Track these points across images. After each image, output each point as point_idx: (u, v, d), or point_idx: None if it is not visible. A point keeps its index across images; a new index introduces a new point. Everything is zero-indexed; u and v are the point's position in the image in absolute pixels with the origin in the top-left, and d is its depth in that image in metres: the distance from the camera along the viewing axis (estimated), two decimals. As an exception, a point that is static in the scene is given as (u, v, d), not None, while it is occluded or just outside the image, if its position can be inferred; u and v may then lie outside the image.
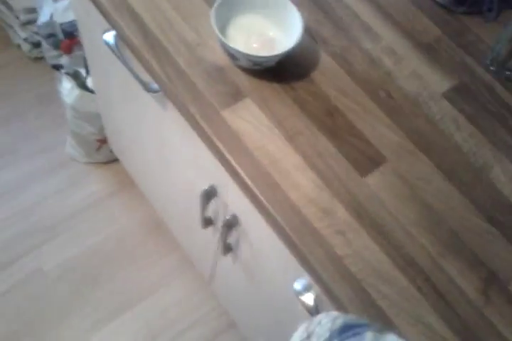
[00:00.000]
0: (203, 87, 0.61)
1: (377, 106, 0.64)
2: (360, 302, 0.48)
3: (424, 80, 0.67)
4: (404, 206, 0.57)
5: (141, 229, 1.42)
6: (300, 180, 0.56)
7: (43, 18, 1.25)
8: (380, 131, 0.62)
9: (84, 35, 1.00)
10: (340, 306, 0.49)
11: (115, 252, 1.38)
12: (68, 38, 1.22)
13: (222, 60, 0.63)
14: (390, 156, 0.60)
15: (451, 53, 0.70)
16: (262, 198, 0.55)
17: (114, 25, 0.68)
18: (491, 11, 0.74)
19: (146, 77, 0.69)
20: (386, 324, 0.48)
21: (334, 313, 0.41)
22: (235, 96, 0.61)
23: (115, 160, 1.48)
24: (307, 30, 0.66)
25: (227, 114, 0.60)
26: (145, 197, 1.40)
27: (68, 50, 1.23)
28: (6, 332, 1.24)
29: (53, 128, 1.52)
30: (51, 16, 1.22)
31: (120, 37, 0.69)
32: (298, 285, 0.61)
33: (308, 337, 0.39)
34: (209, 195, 0.78)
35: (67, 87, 1.22)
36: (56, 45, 1.29)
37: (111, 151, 1.43)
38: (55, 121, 1.51)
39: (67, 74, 1.20)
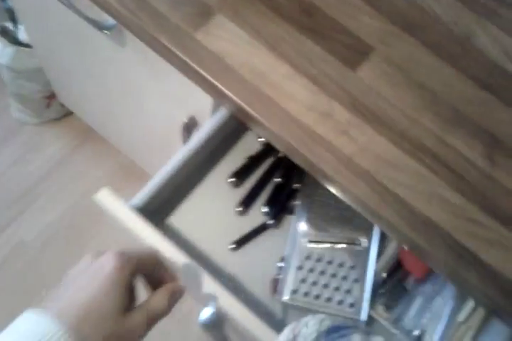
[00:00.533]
0: (168, 12, 0.58)
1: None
2: (378, 194, 0.51)
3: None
4: (401, 92, 0.57)
5: (115, 176, 1.36)
6: (293, 89, 0.56)
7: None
8: (361, 20, 0.60)
9: None
10: (358, 202, 0.52)
11: (94, 207, 1.32)
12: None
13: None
14: (376, 44, 0.59)
15: None
16: (258, 116, 0.54)
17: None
18: None
19: (95, 14, 0.65)
20: (403, 205, 0.51)
21: (321, 315, 0.41)
22: (205, 15, 0.58)
23: (69, 113, 1.39)
24: None
25: (201, 36, 0.57)
26: (111, 144, 1.34)
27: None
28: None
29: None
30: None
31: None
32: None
33: (294, 338, 0.39)
34: (189, 127, 0.76)
35: (-2, 47, 1.12)
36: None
37: (62, 105, 1.34)
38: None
39: (-6, 33, 1.10)
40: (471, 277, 0.49)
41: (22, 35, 1.13)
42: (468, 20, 0.61)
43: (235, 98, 0.55)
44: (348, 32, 0.59)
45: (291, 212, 0.69)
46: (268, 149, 0.71)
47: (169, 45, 0.57)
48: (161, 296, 0.43)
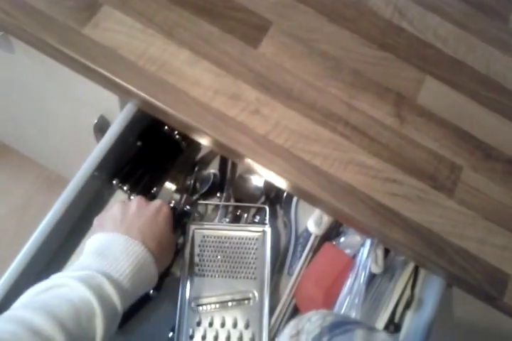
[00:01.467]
0: (49, 9, 0.54)
1: (239, -32, 0.59)
2: (296, 168, 0.52)
3: None
4: (304, 63, 0.57)
5: (40, 190, 1.29)
6: (197, 75, 0.55)
7: None
8: (252, -5, 0.59)
9: None
10: (278, 179, 0.53)
11: (28, 220, 1.24)
12: None
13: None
14: (273, 18, 0.59)
15: None
16: (165, 107, 0.53)
17: None
18: None
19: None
20: (321, 175, 0.52)
21: (325, 311, 0.41)
22: (90, 7, 0.55)
23: None
24: None
25: (90, 31, 0.54)
26: (29, 158, 1.26)
27: None
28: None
29: None
30: None
31: None
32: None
33: (298, 333, 0.39)
34: (101, 126, 0.73)
35: None
36: None
37: None
38: None
39: None
40: (396, 233, 0.51)
41: None
42: (358, -18, 0.62)
43: (137, 91, 0.53)
44: (243, 9, 0.58)
45: (175, 275, 0.60)
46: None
47: (56, 45, 0.53)
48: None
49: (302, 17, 0.59)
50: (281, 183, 0.54)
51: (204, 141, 0.55)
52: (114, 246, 0.48)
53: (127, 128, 0.58)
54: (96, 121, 0.68)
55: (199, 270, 0.59)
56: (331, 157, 0.53)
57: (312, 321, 0.39)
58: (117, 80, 0.53)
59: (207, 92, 0.54)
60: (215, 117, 0.53)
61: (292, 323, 0.41)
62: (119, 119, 0.58)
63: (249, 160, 0.53)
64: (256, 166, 0.54)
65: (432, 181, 0.53)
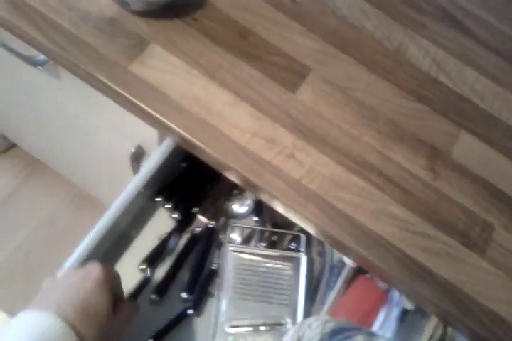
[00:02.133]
0: (100, 46, 0.56)
1: (286, 16, 0.61)
2: (328, 216, 0.52)
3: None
4: (341, 111, 0.58)
5: (68, 206, 1.33)
6: (237, 117, 0.56)
7: None
8: (295, 41, 0.61)
9: None
10: (309, 224, 0.53)
11: (53, 236, 1.29)
12: None
13: (111, 9, 0.58)
14: (312, 65, 0.60)
15: None
16: (203, 147, 0.54)
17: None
18: None
19: (26, 50, 0.62)
20: (352, 223, 0.53)
21: (325, 317, 0.42)
22: (139, 45, 0.57)
23: (14, 145, 1.34)
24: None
25: (137, 68, 0.56)
26: (60, 174, 1.30)
27: None
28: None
29: None
30: None
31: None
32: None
33: (299, 340, 0.39)
34: (138, 156, 0.75)
35: None
36: None
37: (5, 138, 1.29)
38: None
39: None
40: (423, 288, 0.51)
41: None
42: (399, 34, 0.63)
43: (178, 129, 0.55)
44: (283, 54, 0.60)
45: (212, 295, 0.63)
46: (181, 226, 0.67)
47: (105, 80, 0.55)
48: (128, 307, 0.50)
49: (341, 65, 0.61)
50: (310, 228, 0.54)
51: (238, 181, 0.56)
52: (21, 324, 0.41)
53: (174, 151, 0.61)
54: (133, 150, 0.70)
55: (234, 292, 0.62)
56: (363, 206, 0.53)
57: (313, 327, 0.39)
58: (158, 117, 0.55)
59: (245, 134, 0.55)
60: (251, 159, 0.54)
61: (293, 329, 0.41)
62: (166, 143, 0.60)
63: (280, 203, 0.54)
64: (287, 209, 0.54)
65: (463, 238, 0.53)
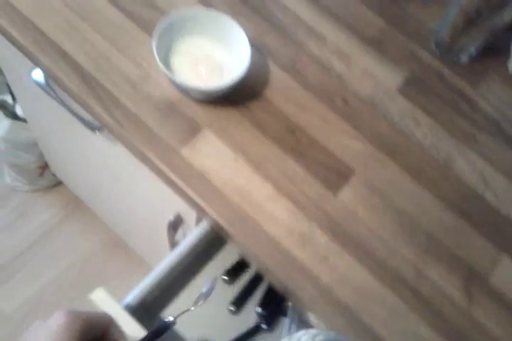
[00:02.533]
0: (156, 126, 0.59)
1: (337, 116, 0.63)
2: (354, 329, 0.50)
3: (377, 78, 0.66)
4: (380, 217, 0.58)
5: (102, 250, 1.35)
6: (275, 211, 0.56)
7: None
8: (343, 142, 0.62)
9: (8, 71, 0.92)
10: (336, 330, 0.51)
11: (82, 278, 1.32)
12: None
13: (171, 93, 0.60)
14: (357, 167, 0.60)
15: (397, 43, 0.69)
16: (238, 236, 0.54)
17: (41, 67, 0.63)
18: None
19: (88, 115, 0.66)
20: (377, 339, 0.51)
21: (314, 330, 0.41)
22: (192, 130, 0.59)
23: (61, 182, 1.39)
24: (252, 43, 0.64)
25: (187, 152, 0.58)
26: (99, 218, 1.34)
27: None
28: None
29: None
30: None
31: (52, 79, 0.64)
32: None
33: None
34: (175, 224, 0.76)
35: (-5, 119, 1.14)
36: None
37: (54, 175, 1.35)
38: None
39: (-8, 105, 1.13)
40: None
41: (20, 109, 1.14)
42: (448, 145, 0.63)
43: (215, 216, 0.55)
44: (329, 153, 0.61)
45: (285, 313, 0.66)
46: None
47: (154, 159, 0.57)
48: None
49: (386, 171, 0.61)
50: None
51: (266, 275, 0.55)
52: None
53: (203, 238, 0.63)
54: (172, 218, 0.71)
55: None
56: (392, 324, 0.51)
57: None
58: (199, 202, 0.56)
59: (280, 230, 0.55)
60: (284, 257, 0.54)
61: None
62: (196, 231, 0.62)
63: (309, 307, 0.52)
64: (313, 313, 0.52)
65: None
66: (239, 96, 0.61)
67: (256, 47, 0.65)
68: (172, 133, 0.59)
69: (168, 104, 0.60)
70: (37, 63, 0.63)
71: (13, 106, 1.13)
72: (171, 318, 0.54)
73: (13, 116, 1.12)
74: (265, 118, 0.61)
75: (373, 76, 0.66)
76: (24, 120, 1.12)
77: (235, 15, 0.66)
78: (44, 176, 1.35)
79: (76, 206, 1.39)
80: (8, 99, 1.14)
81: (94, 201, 1.26)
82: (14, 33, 0.61)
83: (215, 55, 0.61)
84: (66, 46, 0.61)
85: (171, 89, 0.61)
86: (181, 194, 0.58)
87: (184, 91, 0.59)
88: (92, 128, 0.69)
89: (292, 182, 0.58)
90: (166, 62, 0.59)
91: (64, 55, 0.61)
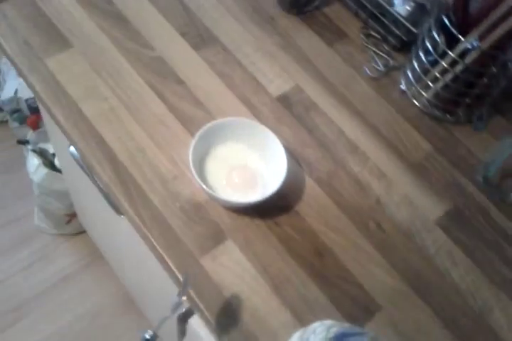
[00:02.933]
0: (180, 230, 0.56)
1: (368, 242, 0.59)
2: None
3: (416, 206, 0.63)
4: None
5: (115, 305, 1.34)
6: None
7: (6, 93, 1.18)
8: (372, 271, 0.57)
9: (51, 132, 0.93)
10: None
11: (88, 332, 1.29)
12: (34, 114, 1.16)
13: (201, 195, 0.58)
14: (383, 303, 0.56)
15: (442, 172, 0.66)
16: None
17: (78, 151, 0.62)
18: (481, 120, 0.71)
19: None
20: None
21: (329, 322, 0.41)
22: (216, 238, 0.56)
23: (85, 231, 1.40)
24: (290, 154, 0.62)
25: (207, 262, 0.54)
26: (115, 274, 1.33)
27: (35, 126, 1.17)
28: None
29: (21, 197, 1.43)
30: (16, 92, 1.15)
31: (84, 163, 0.63)
32: None
33: None
34: (186, 315, 0.71)
35: (33, 164, 1.15)
36: (21, 121, 1.22)
37: (80, 224, 1.36)
38: (23, 189, 1.42)
39: (34, 151, 1.14)
40: None
41: (57, 162, 1.15)
42: (485, 292, 0.58)
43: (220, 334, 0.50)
44: (356, 283, 0.56)
45: None
46: None
47: (172, 266, 0.54)
48: None
49: (416, 313, 0.56)
50: None
51: None
52: None
53: None
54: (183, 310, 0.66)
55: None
56: None
57: (317, 333, 0.39)
58: (210, 318, 0.51)
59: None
60: None
61: (297, 335, 0.40)
62: None
63: None
64: None
65: None
66: (269, 208, 0.58)
67: (294, 157, 0.63)
68: (195, 240, 0.55)
69: (196, 206, 0.57)
70: (73, 145, 0.62)
71: (53, 156, 1.13)
72: (151, 332, 0.47)
73: (51, 166, 1.13)
74: (293, 235, 0.58)
75: (412, 203, 0.63)
76: (60, 171, 1.12)
77: (279, 122, 0.65)
78: (70, 224, 1.35)
79: (96, 257, 1.38)
80: (50, 148, 1.15)
81: (112, 257, 1.24)
82: (58, 115, 0.61)
83: (252, 164, 0.59)
84: (105, 133, 0.60)
85: (201, 192, 0.58)
86: (193, 305, 0.53)
87: (213, 199, 0.57)
88: (118, 211, 0.67)
89: (312, 312, 0.53)
90: (202, 165, 0.58)
91: (100, 142, 0.60)
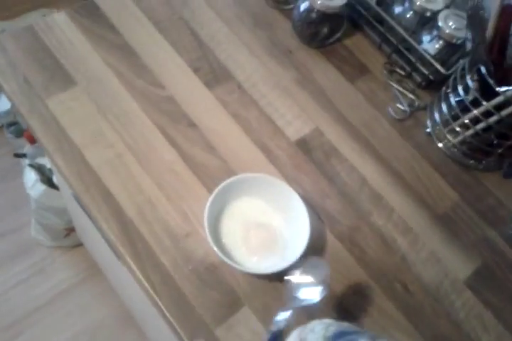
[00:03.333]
0: (193, 296, 0.52)
1: (394, 305, 0.55)
2: None
3: (444, 264, 0.59)
4: None
5: (113, 321, 1.29)
6: None
7: (3, 105, 1.12)
8: (396, 338, 0.54)
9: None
10: None
11: None
12: (32, 129, 1.10)
13: (215, 255, 0.54)
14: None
15: (470, 224, 0.62)
16: None
17: (79, 204, 0.58)
18: (510, 167, 0.67)
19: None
20: None
21: (328, 320, 0.40)
22: (232, 305, 0.52)
23: (82, 244, 1.35)
24: (309, 204, 0.58)
25: (222, 333, 0.50)
26: (115, 290, 1.29)
27: (32, 140, 1.11)
28: None
29: (17, 207, 1.38)
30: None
31: (89, 218, 0.59)
32: None
33: None
34: None
35: (31, 179, 1.10)
36: (18, 134, 1.17)
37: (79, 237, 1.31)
38: (19, 199, 1.37)
39: (31, 166, 1.09)
40: None
41: (56, 178, 1.10)
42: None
43: None
44: None
45: None
46: None
47: (187, 339, 0.50)
48: None
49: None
50: None
51: None
52: None
53: None
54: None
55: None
56: None
57: (315, 331, 0.38)
58: None
59: None
60: None
61: (295, 333, 0.40)
62: None
63: None
64: None
65: None
66: (288, 269, 0.54)
67: (313, 207, 0.58)
68: (209, 307, 0.51)
69: (210, 268, 0.53)
70: (76, 196, 0.57)
71: (51, 172, 1.08)
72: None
73: (49, 183, 1.07)
74: (314, 299, 0.54)
75: (440, 261, 0.59)
76: (58, 188, 1.08)
77: (297, 170, 0.61)
78: (68, 237, 1.31)
79: (96, 271, 1.33)
80: (48, 163, 1.09)
81: (112, 277, 1.20)
82: (59, 161, 0.56)
83: (270, 222, 0.55)
84: (111, 185, 0.56)
85: (213, 252, 0.54)
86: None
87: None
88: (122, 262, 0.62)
89: None
90: (217, 223, 0.54)
91: (106, 195, 0.55)
